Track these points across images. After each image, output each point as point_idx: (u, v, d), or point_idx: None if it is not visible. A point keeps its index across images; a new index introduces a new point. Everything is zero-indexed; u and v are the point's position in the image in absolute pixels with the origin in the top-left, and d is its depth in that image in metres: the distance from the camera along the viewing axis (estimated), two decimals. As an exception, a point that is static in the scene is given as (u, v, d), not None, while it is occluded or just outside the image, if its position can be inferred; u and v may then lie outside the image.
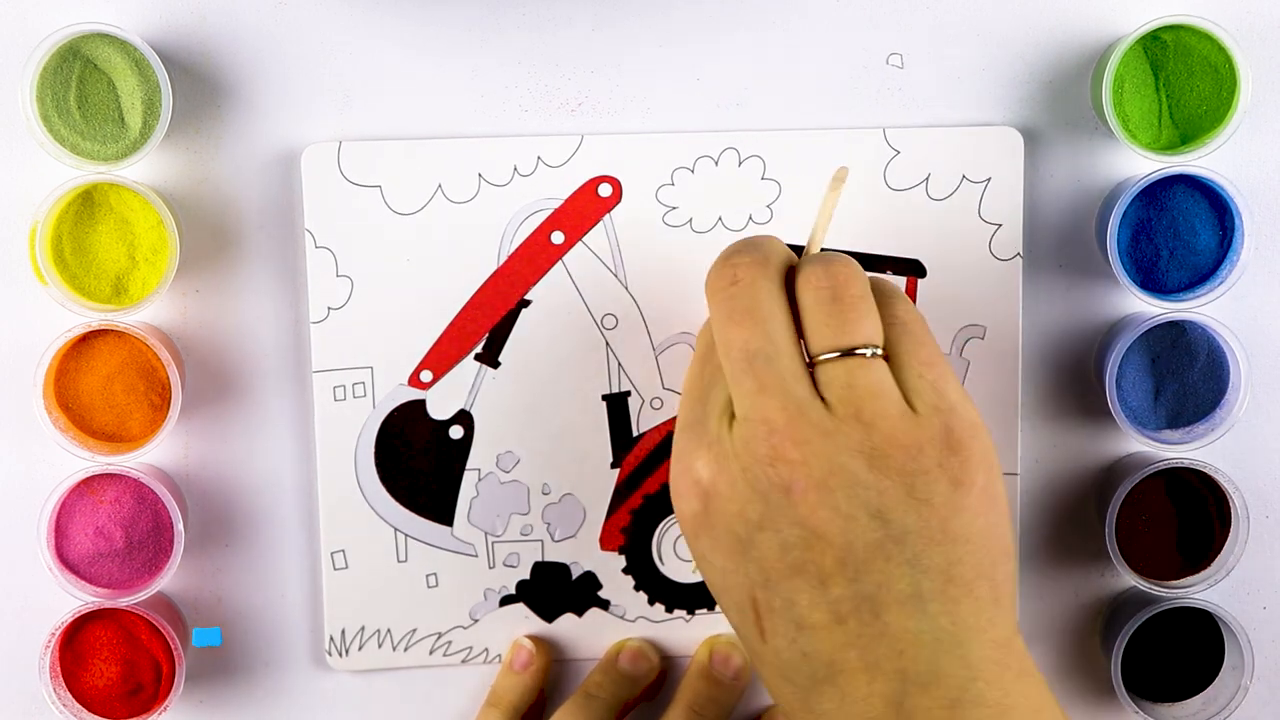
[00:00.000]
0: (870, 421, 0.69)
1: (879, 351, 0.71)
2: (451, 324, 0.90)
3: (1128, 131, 0.87)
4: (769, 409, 0.70)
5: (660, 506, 0.92)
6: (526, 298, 0.90)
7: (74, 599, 0.88)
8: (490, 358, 0.90)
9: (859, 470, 0.69)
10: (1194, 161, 0.87)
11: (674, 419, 0.90)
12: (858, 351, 0.71)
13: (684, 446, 0.72)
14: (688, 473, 0.72)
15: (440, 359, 0.90)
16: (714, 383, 0.73)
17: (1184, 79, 0.88)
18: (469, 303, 0.90)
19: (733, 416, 0.71)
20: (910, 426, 0.70)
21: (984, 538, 0.70)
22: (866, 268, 0.90)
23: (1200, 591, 0.90)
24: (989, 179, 0.90)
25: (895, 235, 0.90)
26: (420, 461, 0.91)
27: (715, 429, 0.72)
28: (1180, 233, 0.89)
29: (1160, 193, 0.88)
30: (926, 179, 0.90)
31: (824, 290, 0.72)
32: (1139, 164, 0.89)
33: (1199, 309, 0.88)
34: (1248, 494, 0.90)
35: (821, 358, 0.71)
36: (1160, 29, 0.87)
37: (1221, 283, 0.88)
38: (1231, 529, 0.90)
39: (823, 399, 0.70)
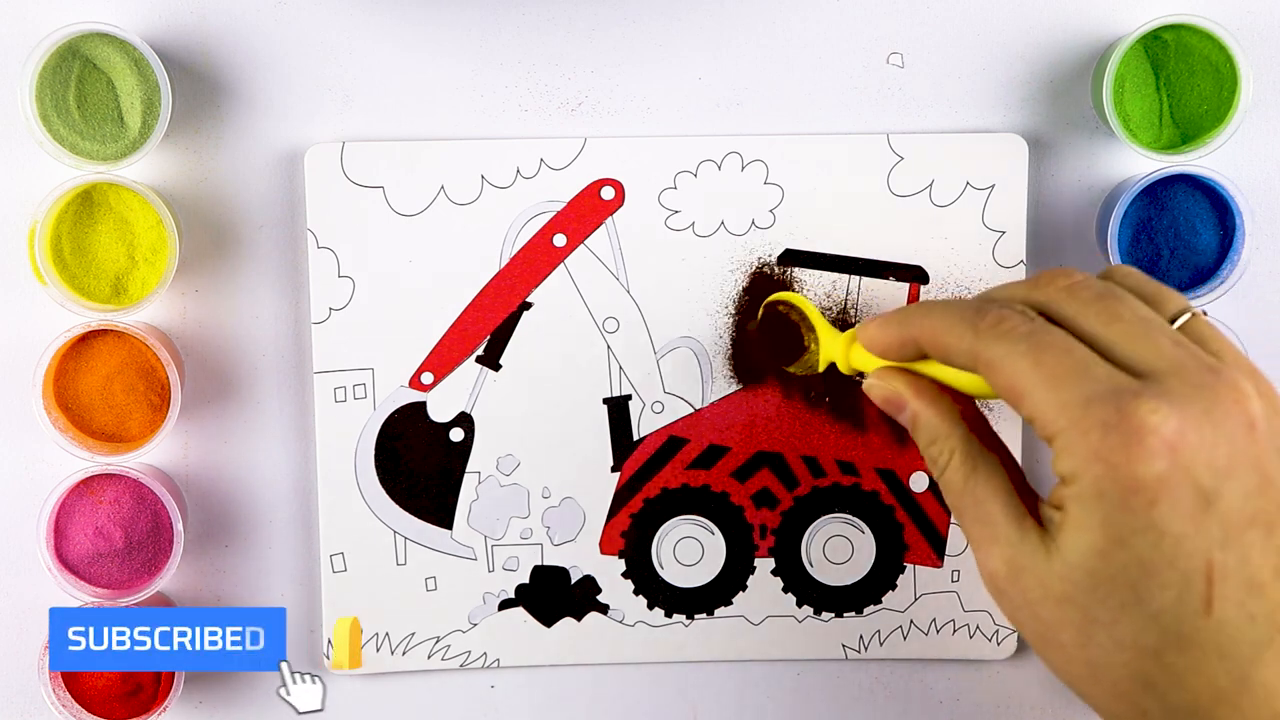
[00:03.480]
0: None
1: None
2: (453, 326, 0.90)
3: (1128, 131, 0.88)
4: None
5: (660, 510, 0.92)
6: (528, 300, 0.90)
7: (73, 599, 0.88)
8: (491, 360, 0.90)
9: None
10: (1195, 161, 0.87)
11: (674, 423, 0.90)
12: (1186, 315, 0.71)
13: (1131, 405, 0.66)
14: (1154, 432, 0.65)
15: (441, 361, 0.90)
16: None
17: (1185, 78, 0.88)
18: (470, 305, 0.90)
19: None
20: None
21: None
22: (869, 274, 0.90)
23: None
24: (993, 186, 0.90)
25: (898, 241, 0.90)
26: (420, 464, 0.91)
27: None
28: (1181, 232, 0.89)
29: (1161, 192, 0.89)
30: (930, 185, 0.90)
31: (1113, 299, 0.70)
32: (1140, 163, 0.90)
33: (1200, 309, 0.88)
34: (1249, 495, 0.90)
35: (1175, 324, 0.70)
36: (1161, 28, 0.87)
37: (1222, 282, 0.88)
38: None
39: None
